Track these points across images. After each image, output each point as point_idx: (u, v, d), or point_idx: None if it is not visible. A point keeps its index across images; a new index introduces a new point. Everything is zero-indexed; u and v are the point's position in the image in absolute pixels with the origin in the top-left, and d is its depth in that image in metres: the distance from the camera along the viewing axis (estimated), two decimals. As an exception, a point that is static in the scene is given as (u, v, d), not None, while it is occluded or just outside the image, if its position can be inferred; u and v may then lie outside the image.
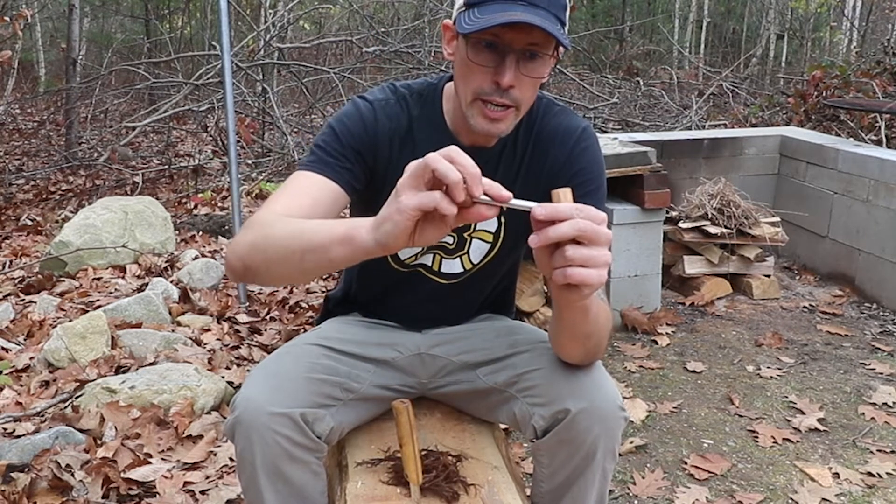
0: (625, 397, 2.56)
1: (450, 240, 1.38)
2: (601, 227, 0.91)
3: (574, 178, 1.30)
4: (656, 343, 3.08)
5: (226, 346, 2.83)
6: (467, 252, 1.39)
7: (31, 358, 2.61)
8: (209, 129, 6.53)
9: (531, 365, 1.30)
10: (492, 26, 1.10)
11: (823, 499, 2.08)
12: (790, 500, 2.08)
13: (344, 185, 1.24)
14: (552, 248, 0.93)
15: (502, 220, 1.36)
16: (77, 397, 2.34)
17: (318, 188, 1.22)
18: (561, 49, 1.18)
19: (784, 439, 2.38)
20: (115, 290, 3.25)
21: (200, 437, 2.21)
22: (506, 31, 1.12)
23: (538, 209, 0.91)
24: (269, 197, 1.23)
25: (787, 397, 2.65)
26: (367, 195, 1.30)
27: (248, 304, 3.19)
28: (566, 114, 1.35)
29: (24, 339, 2.82)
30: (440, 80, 1.34)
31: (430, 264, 1.40)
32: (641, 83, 8.11)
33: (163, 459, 2.11)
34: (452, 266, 1.40)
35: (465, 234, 1.38)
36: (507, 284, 1.54)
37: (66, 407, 2.31)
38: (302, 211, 1.16)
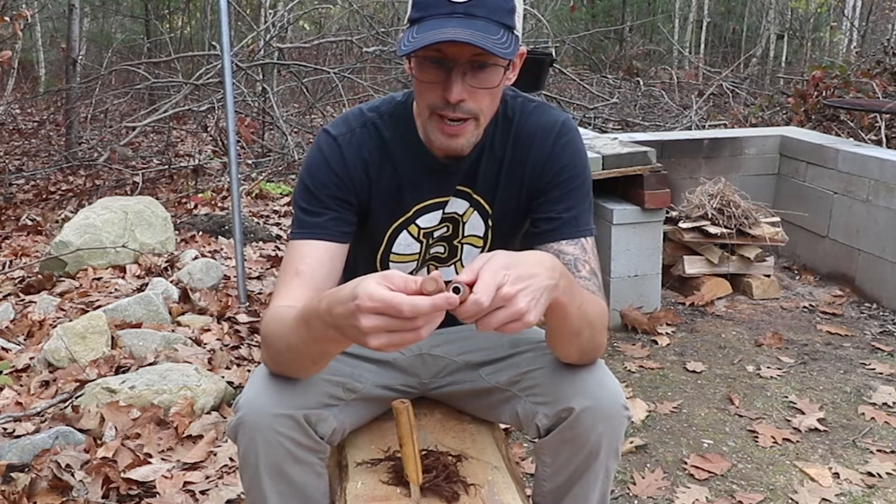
0: (625, 397, 2.56)
1: (441, 249, 1.38)
2: (516, 289, 0.93)
3: (557, 177, 1.30)
4: (656, 343, 3.08)
5: (226, 346, 2.83)
6: (460, 258, 1.40)
7: (31, 358, 2.61)
8: (209, 129, 6.53)
9: (534, 364, 1.30)
10: (421, 48, 1.10)
11: (823, 499, 2.08)
12: (790, 500, 2.08)
13: (336, 237, 1.26)
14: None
15: (489, 223, 1.36)
16: (77, 397, 2.34)
17: (311, 257, 1.24)
18: (519, 53, 1.17)
19: (784, 439, 2.38)
20: (115, 290, 3.25)
21: (200, 437, 2.21)
22: (448, 45, 1.11)
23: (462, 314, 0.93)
24: (275, 284, 1.28)
25: (787, 397, 2.65)
26: (359, 222, 1.33)
27: (248, 304, 3.18)
28: (543, 110, 1.33)
29: (24, 339, 2.82)
30: (407, 98, 1.32)
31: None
32: (641, 83, 8.12)
33: (163, 459, 2.11)
34: (448, 274, 1.41)
35: (455, 242, 1.38)
36: None
37: (66, 407, 2.31)
38: (305, 289, 1.19)
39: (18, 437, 2.16)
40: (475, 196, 1.33)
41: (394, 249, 1.36)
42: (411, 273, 1.39)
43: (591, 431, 1.20)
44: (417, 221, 1.34)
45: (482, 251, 1.39)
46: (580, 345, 1.19)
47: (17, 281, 3.46)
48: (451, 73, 1.14)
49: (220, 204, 5.02)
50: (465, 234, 1.37)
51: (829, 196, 3.74)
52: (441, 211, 1.34)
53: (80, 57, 7.55)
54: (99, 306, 2.95)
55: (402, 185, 1.31)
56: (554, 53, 6.23)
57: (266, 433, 1.16)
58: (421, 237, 1.35)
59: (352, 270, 1.52)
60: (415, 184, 1.31)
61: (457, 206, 1.34)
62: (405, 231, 1.34)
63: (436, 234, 1.36)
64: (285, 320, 1.11)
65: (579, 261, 1.26)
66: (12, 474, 1.95)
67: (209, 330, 2.93)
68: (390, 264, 1.38)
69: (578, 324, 1.13)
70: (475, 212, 1.35)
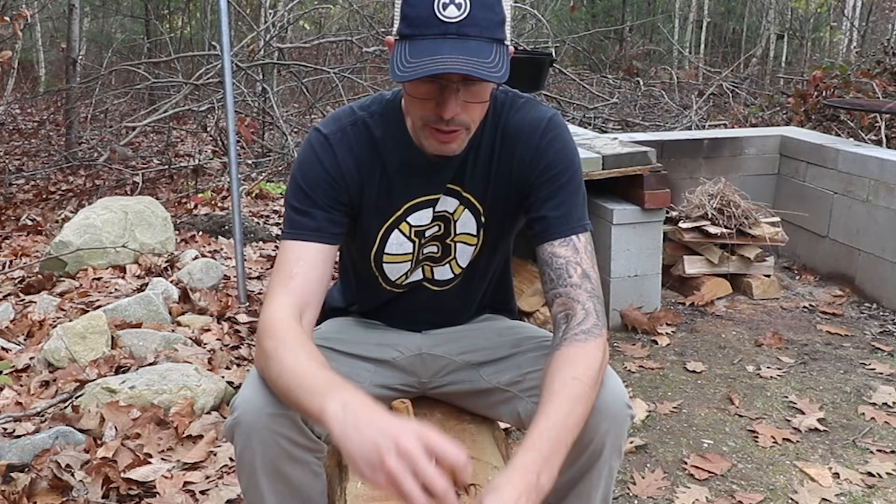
0: (625, 397, 2.56)
1: (434, 249, 1.38)
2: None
3: (543, 174, 1.29)
4: (656, 343, 3.08)
5: (226, 346, 2.83)
6: (454, 257, 1.39)
7: (31, 358, 2.61)
8: (209, 129, 6.53)
9: (536, 365, 1.30)
10: (419, 77, 1.10)
11: (823, 499, 2.08)
12: (790, 500, 2.08)
13: (328, 238, 1.27)
14: None
15: (481, 220, 1.36)
16: (77, 397, 2.34)
17: (305, 260, 1.24)
18: (508, 52, 1.17)
19: (784, 439, 2.38)
20: (115, 290, 3.25)
21: (200, 437, 2.21)
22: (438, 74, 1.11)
23: None
24: (268, 285, 1.28)
25: (787, 397, 2.65)
26: (351, 222, 1.33)
27: (248, 304, 3.19)
28: (530, 106, 1.33)
29: (24, 339, 2.82)
30: (395, 96, 1.33)
31: (422, 276, 1.41)
32: (641, 83, 8.11)
33: (163, 459, 2.11)
34: (444, 272, 1.41)
35: (448, 241, 1.38)
36: (503, 283, 1.54)
37: (66, 407, 2.31)
38: (298, 292, 1.21)
39: (18, 437, 2.16)
40: (465, 194, 1.34)
41: (386, 249, 1.36)
42: (405, 274, 1.39)
43: (594, 430, 1.20)
44: (408, 220, 1.34)
45: (476, 249, 1.39)
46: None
47: (17, 281, 3.46)
48: (444, 91, 1.15)
49: (220, 204, 5.02)
50: (458, 232, 1.37)
51: (829, 196, 3.74)
52: (432, 209, 1.34)
53: (80, 57, 7.55)
54: (99, 306, 2.95)
55: (392, 183, 1.32)
56: (554, 53, 6.23)
57: (262, 433, 1.16)
58: (413, 236, 1.35)
59: (346, 271, 1.53)
60: (405, 182, 1.32)
61: (447, 204, 1.34)
62: (396, 230, 1.34)
63: (427, 234, 1.36)
64: (288, 361, 1.12)
65: (570, 264, 1.25)
66: (12, 474, 1.95)
67: (209, 330, 2.93)
68: (384, 265, 1.38)
69: (577, 433, 1.14)
70: (466, 210, 1.35)
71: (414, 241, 1.36)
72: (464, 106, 1.17)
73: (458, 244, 1.38)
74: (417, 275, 1.41)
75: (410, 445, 0.92)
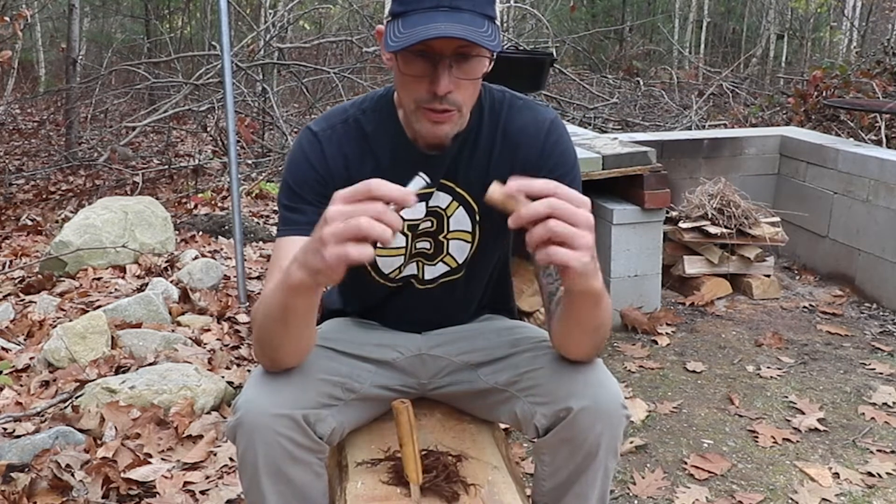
0: (625, 397, 2.55)
1: (427, 245, 1.38)
2: (580, 210, 0.96)
3: (550, 174, 1.29)
4: (656, 343, 3.08)
5: (226, 346, 2.84)
6: (448, 254, 1.39)
7: (31, 358, 2.61)
8: (209, 129, 6.53)
9: (533, 364, 1.30)
10: (414, 44, 1.11)
11: (823, 499, 2.08)
12: (790, 500, 2.08)
13: None
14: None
15: (477, 217, 1.36)
16: (77, 397, 2.34)
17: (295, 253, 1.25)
18: (497, 43, 1.18)
19: (784, 439, 2.38)
20: (115, 290, 3.25)
21: (200, 437, 2.21)
22: (435, 39, 1.12)
23: (512, 184, 0.96)
24: (265, 278, 1.31)
25: (787, 397, 2.65)
26: None
27: (248, 304, 3.19)
28: (531, 107, 1.34)
29: (24, 339, 2.82)
30: (388, 92, 1.34)
31: (415, 272, 1.41)
32: (641, 83, 8.12)
33: (163, 459, 2.11)
34: (436, 270, 1.40)
35: (441, 238, 1.37)
36: (501, 283, 1.53)
37: (66, 407, 2.31)
38: None
39: (18, 437, 2.16)
40: (459, 190, 1.33)
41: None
42: (398, 268, 1.39)
43: (589, 431, 1.20)
44: (401, 213, 1.34)
45: (472, 247, 1.38)
46: (597, 340, 1.21)
47: (17, 281, 3.46)
48: (437, 67, 1.15)
49: (220, 204, 5.02)
50: (451, 229, 1.36)
51: (829, 196, 3.74)
52: (425, 203, 1.34)
53: (80, 57, 7.56)
54: (99, 306, 2.95)
55: (385, 177, 1.32)
56: (554, 53, 6.24)
57: (265, 433, 1.16)
58: (405, 230, 1.35)
59: None
60: (397, 175, 1.31)
61: (440, 199, 1.34)
62: None
63: (420, 228, 1.36)
64: (265, 294, 1.17)
65: None
66: (12, 474, 1.95)
67: (209, 330, 2.93)
68: (377, 258, 1.37)
69: (602, 318, 1.15)
70: (460, 206, 1.34)
71: (406, 235, 1.36)
72: (456, 83, 1.17)
73: (451, 241, 1.38)
74: (411, 269, 1.40)
75: (331, 211, 0.98)
